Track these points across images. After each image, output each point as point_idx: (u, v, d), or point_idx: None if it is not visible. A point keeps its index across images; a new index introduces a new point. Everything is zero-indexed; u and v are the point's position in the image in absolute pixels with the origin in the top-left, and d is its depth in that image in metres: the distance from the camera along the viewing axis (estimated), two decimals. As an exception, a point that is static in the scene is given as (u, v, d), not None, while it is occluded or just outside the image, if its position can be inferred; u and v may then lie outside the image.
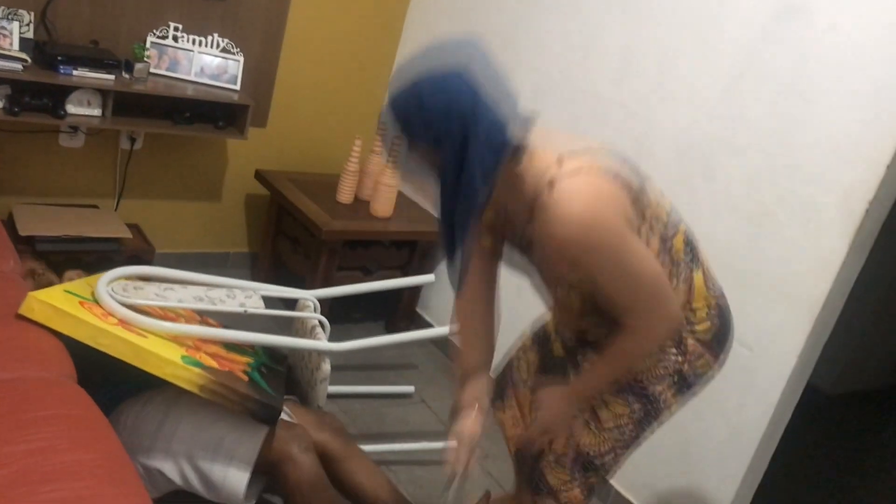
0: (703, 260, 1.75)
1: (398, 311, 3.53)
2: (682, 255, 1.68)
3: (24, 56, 2.59)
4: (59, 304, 1.90)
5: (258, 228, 3.70)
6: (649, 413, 1.75)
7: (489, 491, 2.29)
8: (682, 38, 2.54)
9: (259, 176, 3.44)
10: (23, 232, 2.82)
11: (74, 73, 2.67)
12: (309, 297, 2.64)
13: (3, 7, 2.62)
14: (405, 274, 3.43)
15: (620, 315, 1.60)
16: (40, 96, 2.69)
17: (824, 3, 2.19)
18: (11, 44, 2.59)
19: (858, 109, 2.12)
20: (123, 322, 1.99)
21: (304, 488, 2.00)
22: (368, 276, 3.33)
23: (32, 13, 2.69)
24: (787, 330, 2.27)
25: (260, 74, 3.37)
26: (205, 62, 3.07)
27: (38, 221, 2.91)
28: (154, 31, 2.99)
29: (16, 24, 2.60)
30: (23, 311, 1.89)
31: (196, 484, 2.03)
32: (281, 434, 2.04)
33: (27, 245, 2.78)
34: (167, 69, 3.02)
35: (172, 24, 3.01)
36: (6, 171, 2.98)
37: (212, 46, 3.09)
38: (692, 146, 2.50)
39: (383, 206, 3.30)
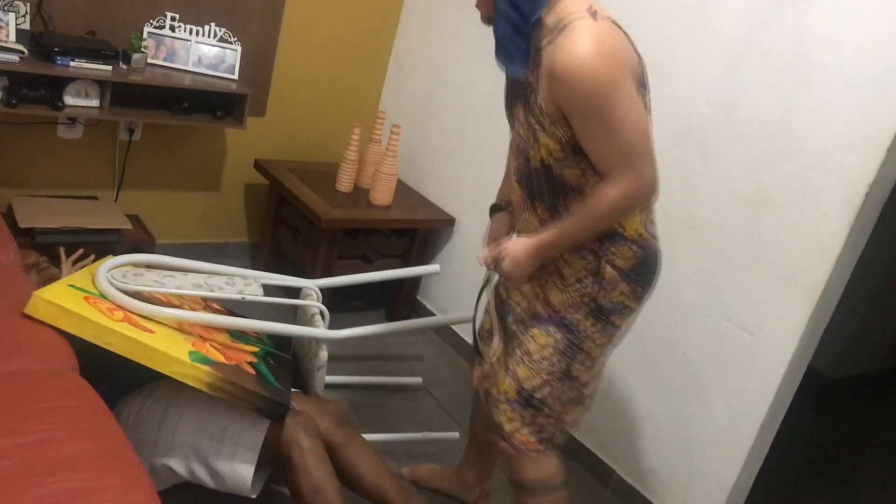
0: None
1: (399, 299, 3.53)
2: None
3: (20, 48, 2.58)
4: (65, 302, 1.90)
5: (258, 218, 3.70)
6: (572, 343, 1.80)
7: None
8: (680, 23, 2.52)
9: (258, 165, 3.44)
10: (22, 224, 2.81)
11: (71, 64, 2.66)
12: (311, 285, 2.64)
13: (-2, -2, 2.61)
14: (405, 262, 3.44)
15: (599, 166, 1.66)
16: (38, 88, 2.69)
17: (823, -14, 2.18)
18: (8, 35, 2.58)
19: (858, 93, 2.11)
20: (129, 318, 1.98)
21: (309, 473, 2.00)
22: (369, 264, 3.33)
23: (28, 4, 2.69)
24: (787, 314, 2.27)
25: (258, 64, 3.35)
26: (202, 52, 3.06)
27: (38, 213, 2.91)
28: (151, 21, 2.98)
29: (12, 16, 2.59)
30: (28, 311, 1.88)
31: (202, 475, 2.03)
32: (286, 421, 2.04)
33: (27, 237, 2.78)
34: (164, 59, 3.02)
35: (169, 14, 3.00)
36: (5, 163, 2.97)
37: (209, 36, 3.08)
38: (691, 131, 2.50)
39: (383, 194, 3.29)
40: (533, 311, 1.85)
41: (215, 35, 3.09)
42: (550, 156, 1.73)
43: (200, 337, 2.12)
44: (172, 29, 3.01)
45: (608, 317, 1.81)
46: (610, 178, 1.65)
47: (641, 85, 1.70)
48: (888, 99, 2.05)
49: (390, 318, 3.47)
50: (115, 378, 2.17)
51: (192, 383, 1.93)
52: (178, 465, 2.02)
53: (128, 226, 3.04)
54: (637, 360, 2.67)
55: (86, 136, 3.12)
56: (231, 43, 3.11)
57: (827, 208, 2.18)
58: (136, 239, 3.11)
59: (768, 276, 2.31)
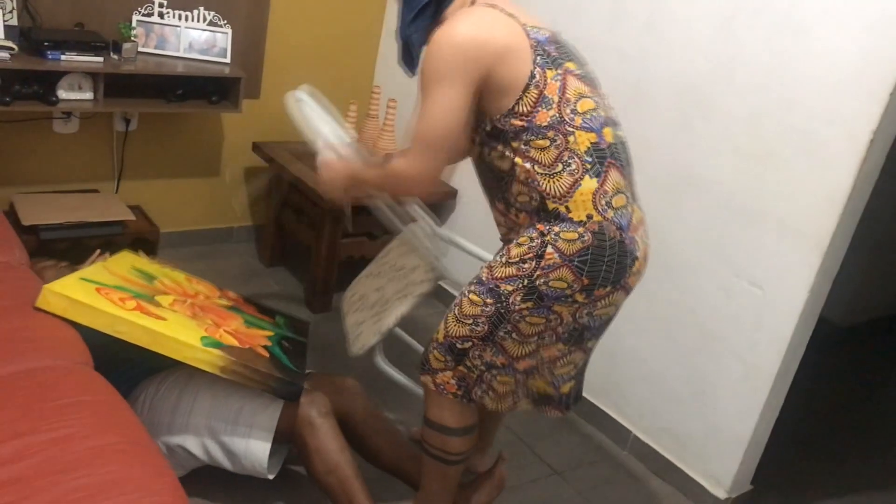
0: (613, 180, 1.74)
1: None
2: (582, 153, 1.71)
3: (10, 44, 2.56)
4: (75, 294, 1.90)
5: (260, 201, 3.69)
6: (500, 312, 1.80)
7: (503, 453, 2.32)
8: (673, -21, 2.50)
9: (257, 148, 3.43)
10: (25, 222, 2.81)
11: (62, 57, 2.64)
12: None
13: (-16, -4, 2.59)
14: (410, 236, 3.43)
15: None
16: (30, 84, 2.67)
17: (817, -68, 2.15)
18: (-4, 32, 2.56)
19: (857, 40, 2.09)
20: (142, 307, 1.99)
21: (323, 452, 2.02)
22: (374, 240, 3.33)
23: (14, 0, 2.66)
24: (796, 266, 2.27)
25: (249, 45, 3.33)
26: (193, 37, 3.04)
27: (40, 210, 2.91)
28: (139, 9, 2.95)
29: (-1, 12, 2.57)
30: (39, 304, 1.89)
31: (219, 457, 2.05)
32: (299, 400, 2.05)
33: (31, 235, 2.78)
34: (155, 47, 2.99)
35: (157, 1, 2.97)
36: (3, 161, 2.96)
37: (198, 20, 3.05)
38: (689, 88, 2.48)
39: (383, 169, 3.28)
40: (478, 276, 1.86)
41: (204, 19, 3.06)
42: (477, 145, 1.82)
43: (213, 323, 2.13)
44: (161, 16, 2.99)
45: (543, 300, 1.75)
46: (402, 153, 1.75)
47: (538, 65, 1.70)
48: (888, 44, 2.03)
49: (398, 293, 3.48)
50: (128, 366, 2.18)
51: (204, 367, 1.94)
52: (194, 447, 2.04)
53: (131, 217, 3.04)
54: (647, 320, 2.67)
55: (82, 130, 3.10)
56: (221, 26, 3.09)
57: (831, 158, 2.16)
58: (139, 230, 3.11)
59: (775, 230, 2.31)
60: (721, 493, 2.54)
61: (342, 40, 3.64)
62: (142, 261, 2.38)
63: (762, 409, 2.41)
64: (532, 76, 1.68)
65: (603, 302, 1.78)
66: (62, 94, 2.72)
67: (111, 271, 2.17)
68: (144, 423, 1.81)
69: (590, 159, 1.71)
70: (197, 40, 3.05)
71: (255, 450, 2.02)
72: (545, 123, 1.69)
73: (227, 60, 3.09)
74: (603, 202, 1.72)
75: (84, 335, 1.91)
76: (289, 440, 2.07)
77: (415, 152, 1.70)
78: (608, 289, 1.76)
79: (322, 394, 2.12)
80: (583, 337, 1.86)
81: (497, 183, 1.83)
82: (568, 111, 1.70)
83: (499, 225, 1.94)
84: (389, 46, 3.74)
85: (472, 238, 3.37)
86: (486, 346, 1.85)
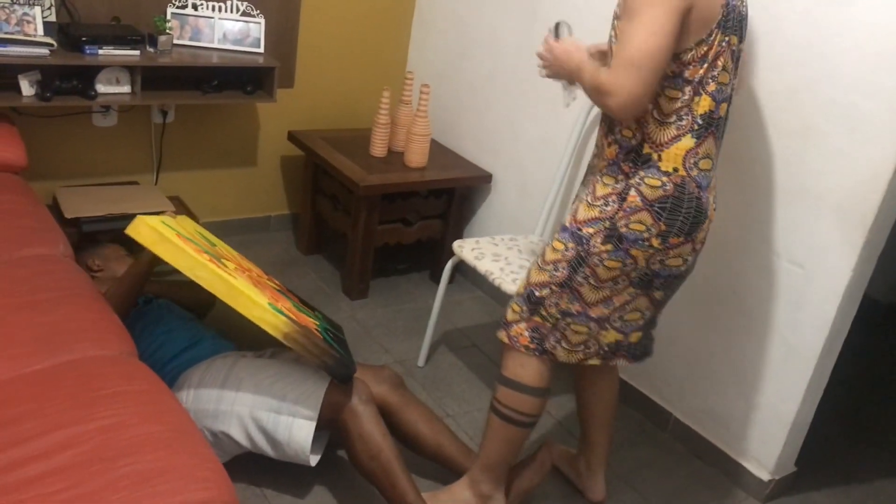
0: (707, 146, 1.84)
1: (442, 261, 3.52)
2: (697, 114, 1.80)
3: (49, 40, 2.60)
4: (164, 231, 1.96)
5: (296, 189, 3.72)
6: (579, 254, 1.89)
7: (548, 441, 2.32)
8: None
9: (292, 137, 3.45)
10: (68, 214, 2.86)
11: (100, 52, 2.67)
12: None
13: (23, -7, 2.63)
14: (445, 222, 3.44)
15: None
16: (69, 79, 2.71)
17: None
18: (36, 29, 2.60)
19: (899, 10, 2.04)
20: (214, 262, 2.04)
21: (365, 439, 2.04)
22: (409, 227, 3.34)
23: (52, -3, 2.70)
24: (838, 244, 2.23)
25: (282, 35, 3.34)
26: (227, 28, 3.06)
27: (82, 203, 2.96)
28: (173, 1, 2.98)
29: (38, 10, 2.61)
30: (129, 231, 1.97)
31: (262, 444, 2.08)
32: (341, 388, 2.08)
33: (73, 227, 2.83)
34: (190, 39, 3.02)
35: (190, -7, 3.00)
36: (45, 156, 3.02)
37: (232, 11, 3.07)
38: (727, 65, 2.44)
39: (417, 156, 3.28)
40: (563, 223, 1.95)
41: (237, 10, 3.08)
42: None
43: (272, 296, 2.15)
44: (195, 7, 3.01)
45: (621, 242, 1.84)
46: (607, 69, 1.73)
47: (717, 26, 1.74)
48: (932, 14, 1.98)
49: (434, 280, 3.49)
50: (174, 356, 2.23)
51: (269, 330, 1.97)
52: (238, 434, 2.07)
53: (171, 208, 3.08)
54: (687, 301, 2.64)
55: (121, 123, 3.15)
56: (254, 16, 3.10)
57: (873, 132, 2.12)
58: (179, 220, 3.15)
59: (816, 208, 2.27)
60: (764, 475, 2.51)
61: (374, 27, 3.64)
62: (202, 229, 2.43)
63: (805, 389, 2.38)
64: (710, 33, 1.74)
65: (674, 251, 1.88)
66: (100, 88, 2.76)
67: (184, 227, 2.22)
68: (190, 410, 1.84)
69: (700, 122, 1.80)
70: (231, 31, 3.07)
71: (299, 437, 2.04)
72: (691, 78, 1.77)
73: (261, 50, 3.11)
74: (692, 160, 1.82)
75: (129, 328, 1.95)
76: (331, 427, 2.10)
77: (617, 69, 1.69)
78: (681, 239, 1.86)
79: (363, 381, 2.14)
80: (651, 284, 1.94)
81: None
82: (710, 76, 1.78)
83: (598, 143, 1.98)
84: (421, 31, 3.73)
85: (506, 222, 3.38)
86: (563, 293, 1.93)
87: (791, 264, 2.35)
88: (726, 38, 1.77)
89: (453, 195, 3.41)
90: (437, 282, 2.93)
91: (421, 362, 2.91)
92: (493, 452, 2.12)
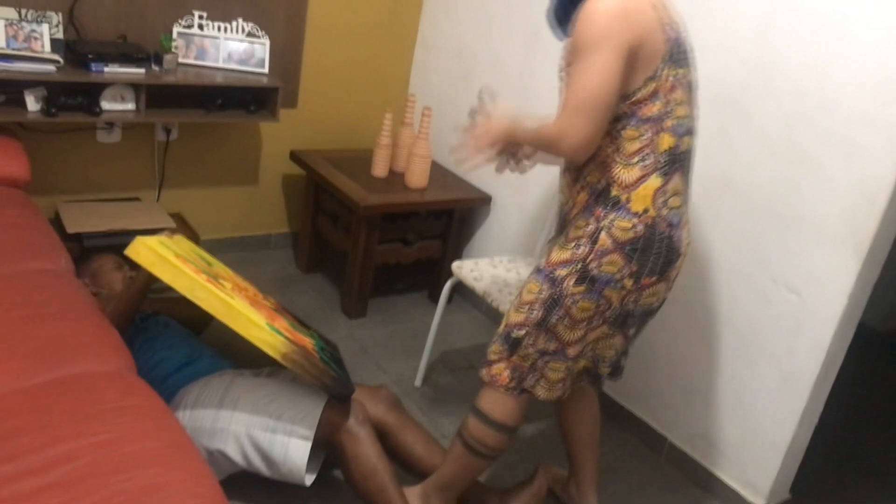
0: (675, 182, 1.84)
1: (441, 281, 3.54)
2: (660, 152, 1.80)
3: (56, 57, 2.63)
4: (163, 252, 1.97)
5: (297, 208, 3.74)
6: (553, 297, 1.89)
7: (544, 464, 2.32)
8: (708, -17, 2.49)
9: (294, 156, 3.47)
10: (70, 229, 2.88)
11: (106, 69, 2.70)
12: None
13: (31, 10, 2.66)
14: (444, 242, 3.46)
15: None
16: (75, 95, 2.74)
17: (854, -65, 2.13)
18: (43, 46, 2.63)
19: (896, 43, 2.06)
20: (213, 282, 2.05)
21: (361, 460, 2.04)
22: (408, 247, 3.36)
23: (60, 14, 2.73)
24: (834, 272, 2.24)
25: (286, 56, 3.38)
26: (232, 48, 3.09)
27: (84, 218, 2.98)
28: (179, 20, 3.01)
29: (45, 27, 2.64)
30: (128, 252, 1.98)
31: (257, 463, 2.08)
32: (337, 408, 2.08)
33: (75, 242, 2.84)
34: (195, 58, 3.05)
35: (196, 13, 3.03)
36: (49, 171, 3.04)
37: (237, 32, 3.10)
38: (726, 92, 2.47)
39: (418, 177, 3.30)
40: (538, 266, 1.96)
41: (243, 30, 3.11)
42: None
43: (269, 316, 2.17)
44: (201, 27, 3.04)
45: (594, 284, 1.84)
46: (556, 117, 1.76)
47: (664, 61, 1.76)
48: (928, 46, 2.01)
49: (433, 300, 3.50)
50: (170, 373, 2.23)
51: (268, 350, 1.98)
52: (233, 453, 2.08)
53: (172, 225, 3.10)
54: (683, 325, 2.66)
55: (124, 139, 3.17)
56: (259, 37, 3.14)
57: (869, 163, 2.14)
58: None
59: (812, 235, 2.29)
60: (759, 501, 2.51)
61: (377, 49, 3.68)
62: (199, 248, 2.45)
63: (801, 416, 2.38)
64: (656, 71, 1.75)
65: (648, 291, 1.88)
66: (105, 104, 2.78)
67: (181, 247, 2.23)
68: (187, 427, 1.85)
69: (664, 160, 1.81)
70: (236, 51, 3.10)
71: (294, 457, 2.04)
72: (646, 117, 1.78)
73: (265, 70, 3.14)
74: (661, 200, 1.82)
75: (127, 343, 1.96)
76: (327, 447, 2.10)
77: (568, 112, 1.72)
78: (654, 278, 1.87)
79: (360, 401, 2.14)
80: (626, 323, 1.96)
81: None
82: (666, 112, 1.79)
83: (561, 192, 2.01)
84: (424, 54, 3.77)
85: (505, 244, 3.40)
86: (540, 333, 1.93)
87: (787, 291, 2.36)
88: (675, 72, 1.79)
89: (453, 216, 3.43)
90: (436, 302, 2.94)
91: (418, 382, 2.92)
92: (450, 475, 2.13)
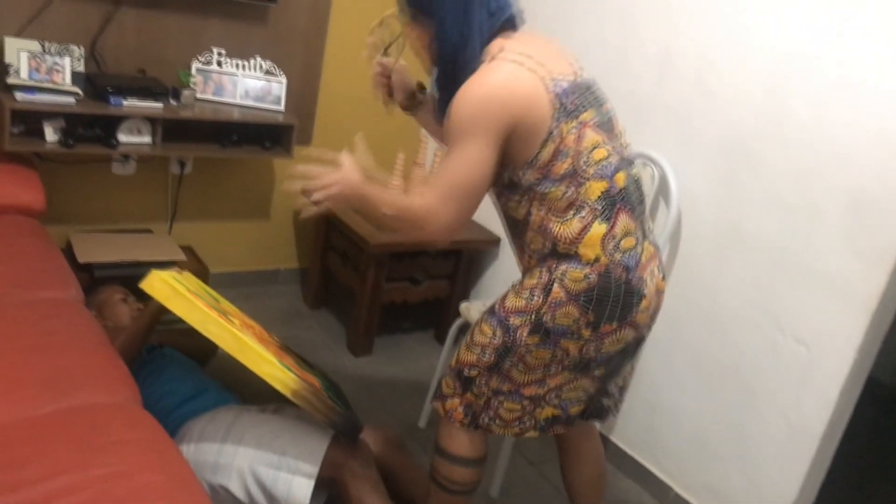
0: (622, 223, 1.77)
1: (447, 320, 3.54)
2: (593, 200, 1.74)
3: (76, 90, 2.67)
4: (176, 286, 1.99)
5: (307, 244, 3.76)
6: (506, 344, 1.83)
7: None
8: (721, 37, 2.52)
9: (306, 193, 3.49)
10: (81, 259, 2.90)
11: (125, 103, 2.74)
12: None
13: (55, 43, 2.71)
14: (452, 282, 3.46)
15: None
16: (92, 127, 2.78)
17: (866, -7, 2.16)
18: (64, 78, 2.67)
19: (907, 99, 2.08)
20: (222, 316, 2.06)
21: (363, 502, 2.03)
22: (416, 286, 3.36)
23: (82, 47, 2.78)
24: (844, 325, 2.24)
25: (303, 94, 3.42)
26: (249, 85, 3.13)
27: (95, 249, 3.00)
28: (198, 56, 3.06)
29: (67, 59, 2.68)
30: (143, 286, 1.98)
31: (260, 499, 2.07)
32: (342, 447, 2.07)
33: (86, 272, 2.86)
34: (213, 94, 3.09)
35: (216, 50, 3.08)
36: (63, 200, 3.07)
37: (255, 69, 3.15)
38: (736, 143, 2.48)
39: (429, 216, 3.32)
40: (491, 308, 1.91)
41: (261, 68, 3.16)
42: (494, 194, 1.88)
43: (277, 354, 2.17)
44: (219, 64, 3.09)
45: (549, 335, 1.79)
46: (422, 191, 1.74)
47: (557, 119, 1.71)
48: (938, 104, 2.02)
49: (439, 340, 3.49)
50: (176, 405, 2.23)
51: (278, 386, 1.98)
52: (236, 489, 2.06)
53: (182, 257, 3.11)
54: (690, 374, 2.65)
55: (139, 172, 3.21)
56: (276, 75, 3.18)
57: (880, 217, 2.14)
58: (190, 270, 3.16)
59: (822, 288, 2.28)
60: (765, 555, 2.48)
61: (392, 89, 3.71)
62: (206, 286, 2.46)
63: (808, 469, 2.36)
64: (550, 132, 1.70)
65: (610, 338, 1.81)
66: (122, 137, 2.82)
67: (190, 283, 2.25)
68: (191, 461, 1.84)
69: (600, 206, 1.74)
70: (253, 88, 3.14)
71: (297, 494, 2.03)
72: (559, 175, 1.72)
73: (282, 108, 3.18)
74: (611, 245, 1.75)
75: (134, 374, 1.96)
76: (330, 486, 2.09)
77: (436, 196, 1.71)
78: (614, 325, 1.79)
79: (365, 442, 2.13)
80: (588, 367, 1.87)
81: (513, 229, 1.90)
82: (581, 162, 1.72)
83: (518, 262, 1.99)
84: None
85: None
86: (493, 375, 1.88)
87: (796, 342, 2.35)
88: (576, 121, 1.73)
89: (461, 256, 3.44)
90: (442, 342, 2.94)
91: (422, 423, 2.91)
92: None
